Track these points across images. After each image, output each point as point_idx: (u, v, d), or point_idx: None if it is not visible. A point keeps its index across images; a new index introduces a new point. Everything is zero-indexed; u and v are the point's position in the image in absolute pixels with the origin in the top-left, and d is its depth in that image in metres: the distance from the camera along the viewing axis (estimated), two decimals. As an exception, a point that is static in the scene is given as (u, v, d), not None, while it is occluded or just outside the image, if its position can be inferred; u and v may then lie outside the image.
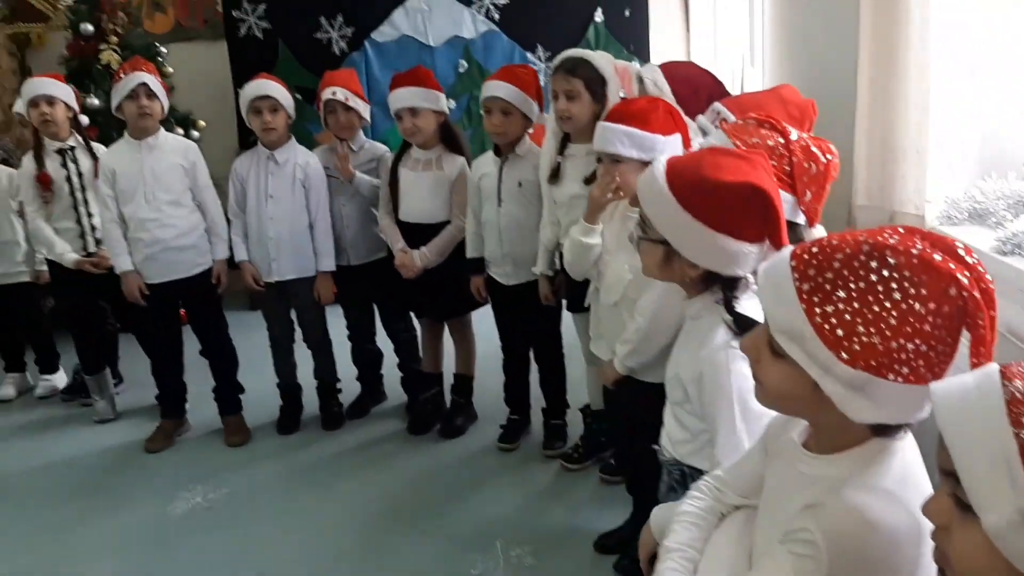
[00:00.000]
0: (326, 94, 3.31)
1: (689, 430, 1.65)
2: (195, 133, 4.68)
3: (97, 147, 3.59)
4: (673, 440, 1.70)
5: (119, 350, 4.01)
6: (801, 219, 1.69)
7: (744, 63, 4.42)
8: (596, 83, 2.63)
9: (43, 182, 3.50)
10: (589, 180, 2.67)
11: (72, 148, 3.53)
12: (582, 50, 2.79)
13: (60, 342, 4.10)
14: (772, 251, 1.46)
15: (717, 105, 2.09)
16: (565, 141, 2.75)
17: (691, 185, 1.47)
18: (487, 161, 3.09)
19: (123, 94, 3.20)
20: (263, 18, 4.77)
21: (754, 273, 1.49)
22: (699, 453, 1.63)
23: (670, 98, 2.39)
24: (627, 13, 4.73)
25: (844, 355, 1.00)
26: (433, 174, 3.19)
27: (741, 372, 1.43)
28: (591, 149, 2.63)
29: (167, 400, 3.56)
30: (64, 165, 3.52)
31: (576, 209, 2.53)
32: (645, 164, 2.18)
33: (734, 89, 4.79)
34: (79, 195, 3.54)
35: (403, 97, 3.13)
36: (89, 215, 3.55)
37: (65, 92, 3.50)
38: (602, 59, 2.67)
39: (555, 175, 2.75)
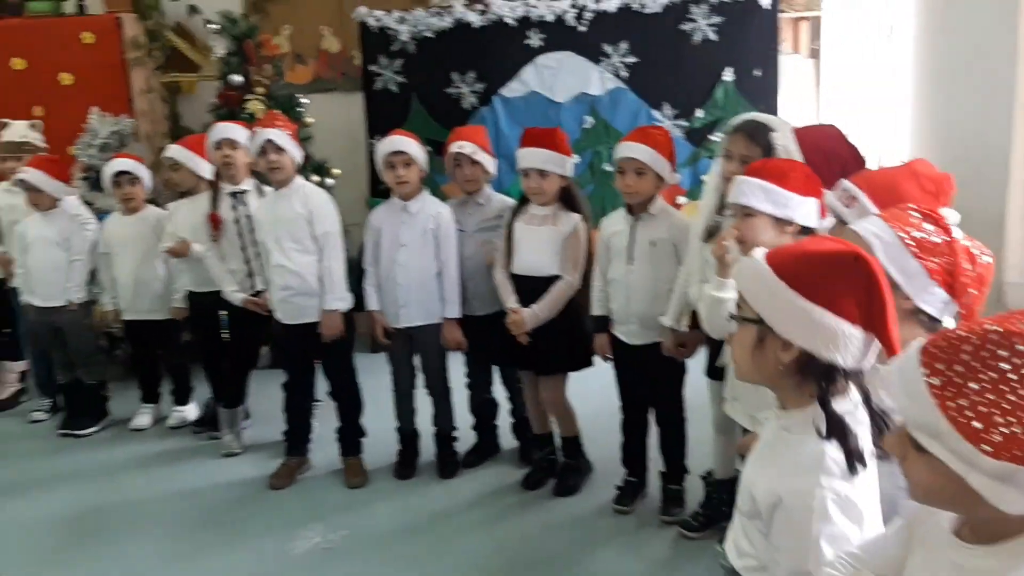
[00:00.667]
0: (454, 147, 3.40)
1: (755, 547, 1.48)
2: (329, 180, 4.85)
3: (267, 190, 3.72)
4: (739, 550, 1.54)
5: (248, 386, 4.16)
6: (949, 321, 1.62)
7: (880, 129, 4.32)
8: (774, 153, 2.58)
9: (213, 222, 3.69)
10: (709, 236, 2.68)
11: (245, 192, 3.70)
12: (766, 115, 2.76)
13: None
14: (873, 342, 1.35)
15: (845, 183, 2.03)
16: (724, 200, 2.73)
17: (788, 254, 1.40)
18: (618, 219, 3.10)
19: (254, 150, 3.38)
20: (398, 73, 4.95)
21: (857, 375, 1.37)
22: (763, 573, 1.47)
23: (800, 165, 2.37)
24: (757, 72, 4.70)
25: (986, 448, 0.96)
26: (548, 229, 3.22)
27: (833, 518, 1.30)
28: None
29: (293, 438, 3.67)
30: (234, 207, 3.70)
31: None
32: (777, 221, 2.19)
33: (869, 158, 4.71)
34: (247, 236, 3.70)
35: (534, 157, 3.17)
36: (257, 256, 3.68)
37: (247, 137, 3.65)
38: (783, 128, 2.62)
39: (712, 234, 2.71)
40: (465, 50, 4.86)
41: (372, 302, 3.48)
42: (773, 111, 4.66)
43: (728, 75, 4.71)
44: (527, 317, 3.18)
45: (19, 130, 4.41)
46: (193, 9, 5.60)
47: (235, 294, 3.70)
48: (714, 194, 2.76)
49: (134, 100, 5.33)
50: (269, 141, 3.34)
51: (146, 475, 3.78)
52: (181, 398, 4.29)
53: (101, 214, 4.52)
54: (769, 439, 1.50)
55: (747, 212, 2.21)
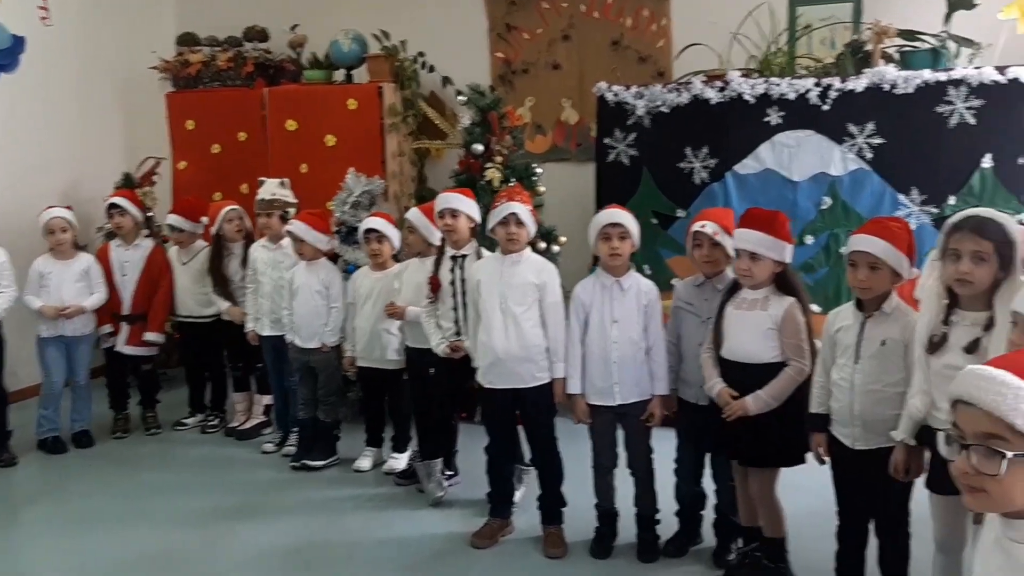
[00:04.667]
0: (696, 226, 3.36)
1: None
2: (555, 248, 4.98)
3: (484, 254, 3.88)
4: None
5: (457, 443, 4.31)
6: None
7: None
8: (1006, 247, 2.44)
9: (432, 284, 3.91)
10: (970, 349, 2.47)
11: (464, 256, 3.89)
12: (989, 210, 2.57)
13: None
14: None
15: None
16: (951, 306, 2.56)
17: None
18: (847, 314, 2.93)
19: (496, 220, 3.51)
20: (631, 146, 5.02)
21: None
22: None
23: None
24: (1021, 160, 4.31)
25: None
26: (757, 314, 3.10)
27: None
28: (979, 319, 2.48)
29: (496, 499, 3.74)
30: (452, 270, 3.90)
31: (949, 380, 2.31)
32: None
33: None
34: (459, 298, 3.88)
35: (747, 239, 3.08)
36: (466, 318, 3.85)
37: (469, 206, 3.86)
38: (1011, 222, 2.48)
39: (937, 346, 2.55)
40: (700, 126, 4.83)
41: (575, 384, 3.48)
42: (1038, 202, 4.28)
43: (987, 161, 4.35)
44: (752, 401, 3.06)
45: (270, 188, 4.86)
46: (447, 80, 6.00)
47: (440, 346, 3.88)
48: (935, 300, 2.56)
49: (387, 162, 5.79)
50: (513, 214, 3.49)
51: (362, 517, 3.99)
52: (399, 446, 4.51)
53: (350, 266, 4.92)
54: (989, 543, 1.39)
55: None
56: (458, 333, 3.88)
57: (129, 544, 3.75)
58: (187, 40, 6.44)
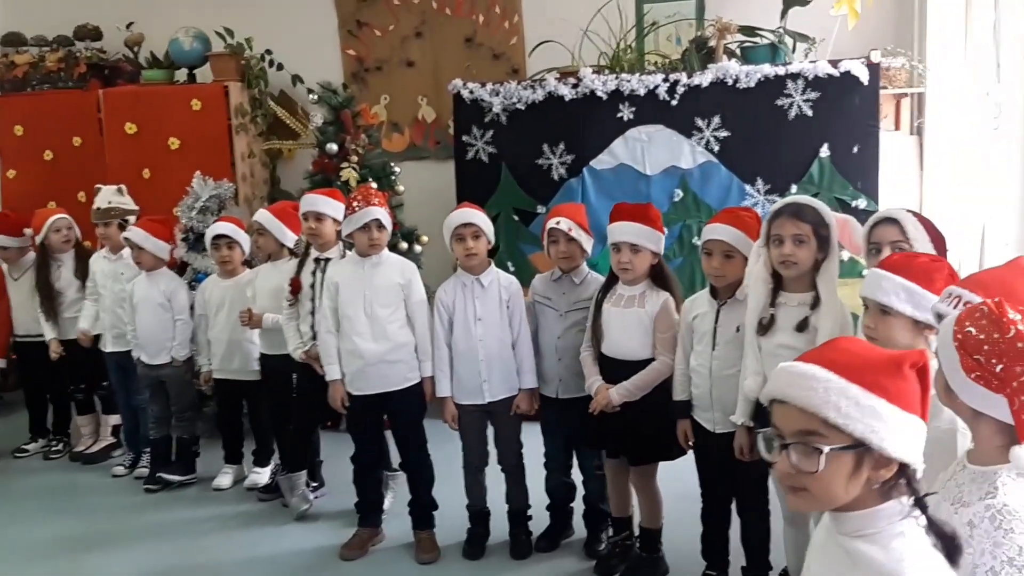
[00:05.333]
0: (551, 223, 3.36)
1: None
2: (418, 247, 4.91)
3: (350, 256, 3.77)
4: None
5: (320, 454, 4.18)
6: None
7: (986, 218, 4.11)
8: (823, 229, 2.63)
9: (293, 287, 3.77)
10: (801, 327, 2.60)
11: (328, 260, 3.73)
12: (805, 196, 2.77)
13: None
14: None
15: (956, 290, 1.87)
16: (777, 289, 2.70)
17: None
18: (702, 302, 3.01)
19: (356, 225, 3.39)
20: (490, 143, 5.01)
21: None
22: None
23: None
24: (855, 149, 4.55)
25: None
26: (635, 311, 3.14)
27: None
28: (804, 299, 2.64)
29: (365, 509, 3.65)
30: (314, 273, 3.75)
31: (782, 359, 2.40)
32: (916, 324, 2.10)
33: (972, 251, 4.49)
34: (319, 302, 3.72)
35: (626, 231, 3.11)
36: None
37: (334, 208, 3.70)
38: (825, 207, 2.68)
39: (766, 328, 2.68)
40: (556, 122, 4.87)
41: (444, 386, 3.44)
42: (873, 188, 4.53)
43: (824, 151, 4.58)
44: (615, 392, 3.09)
45: (106, 196, 4.60)
46: (296, 79, 5.81)
47: (297, 351, 3.76)
48: (762, 285, 2.70)
49: (236, 165, 5.55)
50: (375, 220, 3.40)
51: (225, 536, 3.82)
52: (261, 459, 4.34)
53: (199, 275, 4.69)
54: (822, 541, 1.41)
55: (885, 310, 2.13)
56: (314, 337, 3.75)
57: (-38, 587, 3.45)
58: (12, 40, 5.99)
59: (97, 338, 4.58)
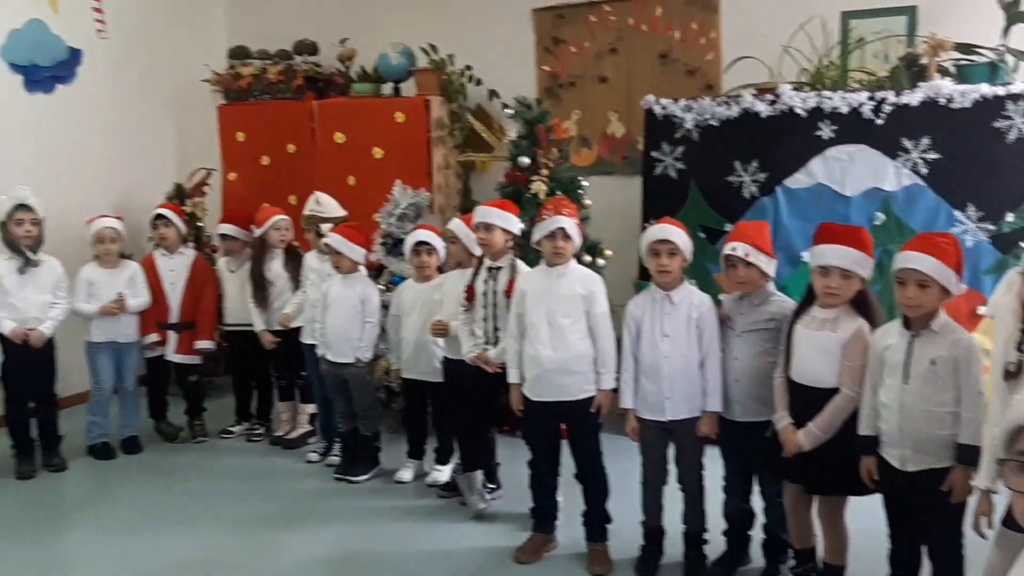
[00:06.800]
0: (726, 248, 3.31)
1: None
2: (601, 261, 4.94)
3: (521, 267, 3.89)
4: None
5: (497, 456, 4.28)
6: None
7: None
8: None
9: (468, 293, 3.92)
10: (1009, 375, 2.42)
11: (499, 268, 3.88)
12: None
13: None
14: None
15: None
16: None
17: None
18: (893, 332, 2.85)
19: (543, 233, 3.49)
20: (679, 159, 4.97)
21: None
22: None
23: None
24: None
25: None
26: (826, 335, 3.01)
27: None
28: None
29: (539, 514, 3.71)
30: (487, 282, 3.90)
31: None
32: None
33: None
34: (491, 309, 3.88)
35: (838, 255, 2.97)
36: (496, 328, 3.86)
37: (504, 219, 3.83)
38: None
39: (1015, 374, 2.47)
40: (750, 139, 4.77)
41: (627, 399, 3.44)
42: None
43: (1048, 178, 4.24)
44: (803, 439, 2.99)
45: (308, 205, 4.96)
46: (493, 93, 6.01)
47: (468, 354, 3.89)
48: (1011, 317, 2.47)
49: (433, 175, 5.80)
50: (560, 228, 3.47)
51: (405, 528, 3.99)
52: (442, 458, 4.50)
53: (395, 278, 4.94)
54: None
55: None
56: (487, 343, 3.87)
57: (175, 550, 3.78)
58: (239, 53, 6.54)
59: (298, 329, 4.92)
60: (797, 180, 4.71)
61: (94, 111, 6.05)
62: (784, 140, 4.69)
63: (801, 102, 4.62)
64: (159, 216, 5.19)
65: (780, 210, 4.73)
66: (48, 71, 5.75)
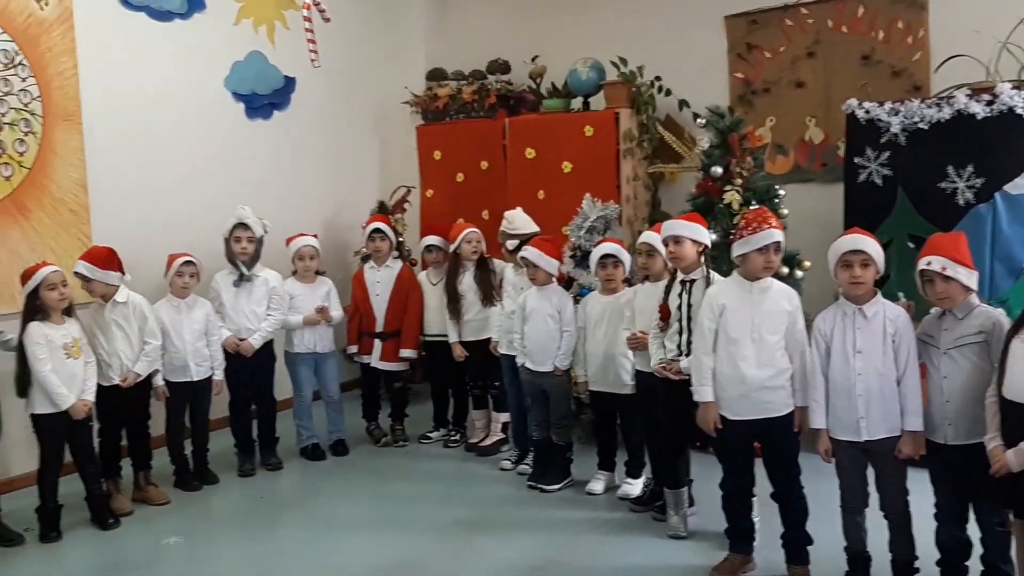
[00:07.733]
0: (921, 263, 3.12)
1: None
2: (799, 273, 4.78)
3: (715, 278, 3.82)
4: None
5: (691, 473, 4.21)
6: None
7: None
8: None
9: (663, 313, 3.90)
10: None
11: (693, 281, 3.84)
12: None
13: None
14: None
15: None
16: None
17: None
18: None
19: (754, 247, 3.39)
20: (885, 165, 4.73)
21: None
22: None
23: None
24: None
25: None
26: None
27: None
28: None
29: (735, 534, 3.62)
30: (680, 295, 3.86)
31: None
32: None
33: None
34: (685, 323, 3.83)
35: None
36: (690, 343, 3.79)
37: (693, 231, 3.80)
38: None
39: None
40: (964, 142, 4.46)
41: (819, 418, 3.30)
42: None
43: None
44: (1013, 459, 2.77)
45: (502, 223, 5.09)
46: (683, 103, 5.95)
47: (656, 364, 3.86)
48: None
49: (621, 187, 5.82)
50: (776, 243, 3.39)
51: (598, 541, 4.00)
52: (633, 471, 4.49)
53: (583, 290, 4.99)
54: None
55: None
56: (680, 355, 3.82)
57: (380, 549, 3.98)
58: (436, 75, 6.84)
59: (486, 341, 5.10)
60: (1018, 185, 4.37)
61: (306, 135, 6.51)
62: (1003, 143, 4.37)
63: (1023, 102, 4.28)
64: (376, 230, 5.52)
65: (999, 217, 4.39)
66: (266, 99, 6.26)
